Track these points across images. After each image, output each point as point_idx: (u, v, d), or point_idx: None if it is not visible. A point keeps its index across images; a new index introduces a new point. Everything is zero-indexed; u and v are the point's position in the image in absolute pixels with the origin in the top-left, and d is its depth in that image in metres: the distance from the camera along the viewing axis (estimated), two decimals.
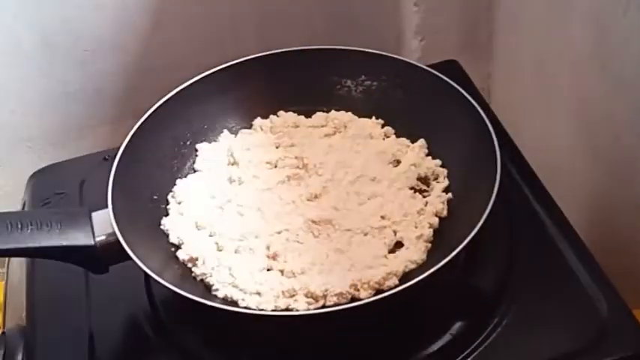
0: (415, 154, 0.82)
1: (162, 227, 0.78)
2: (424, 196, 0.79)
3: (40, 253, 0.72)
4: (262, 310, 0.70)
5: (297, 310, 0.70)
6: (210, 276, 0.73)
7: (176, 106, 0.84)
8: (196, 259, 0.74)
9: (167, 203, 0.81)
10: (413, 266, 0.72)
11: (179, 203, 0.80)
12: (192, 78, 0.85)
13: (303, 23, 1.01)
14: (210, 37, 0.98)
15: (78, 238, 0.71)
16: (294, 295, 0.71)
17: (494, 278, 0.76)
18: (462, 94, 0.81)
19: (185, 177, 0.83)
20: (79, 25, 0.93)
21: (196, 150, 0.85)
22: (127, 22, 0.95)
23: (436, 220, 0.77)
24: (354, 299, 0.70)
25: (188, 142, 0.85)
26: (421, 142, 0.84)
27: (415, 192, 0.80)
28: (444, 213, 0.77)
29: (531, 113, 1.02)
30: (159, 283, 0.69)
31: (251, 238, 0.76)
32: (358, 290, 0.70)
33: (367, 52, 0.88)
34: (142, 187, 0.80)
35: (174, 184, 0.82)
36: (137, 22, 0.96)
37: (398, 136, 0.86)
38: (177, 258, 0.75)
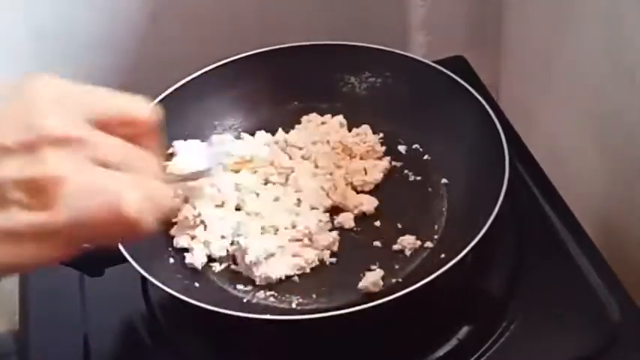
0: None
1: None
2: None
3: None
4: (261, 314, 0.70)
5: (298, 314, 0.70)
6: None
7: (174, 103, 0.83)
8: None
9: None
10: None
11: None
12: (191, 74, 0.84)
13: (305, 18, 1.01)
14: (210, 33, 0.97)
15: None
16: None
17: (502, 281, 0.76)
18: (469, 90, 0.81)
19: None
20: (75, 21, 0.93)
21: None
22: (123, 17, 0.95)
23: None
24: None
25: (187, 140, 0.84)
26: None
27: None
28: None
29: (540, 111, 1.01)
30: (156, 285, 0.68)
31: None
32: None
33: (371, 47, 0.87)
34: None
35: None
36: (134, 18, 0.95)
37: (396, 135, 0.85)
38: (175, 260, 0.75)
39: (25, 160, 0.43)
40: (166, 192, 0.49)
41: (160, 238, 0.76)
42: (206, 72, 0.85)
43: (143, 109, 0.51)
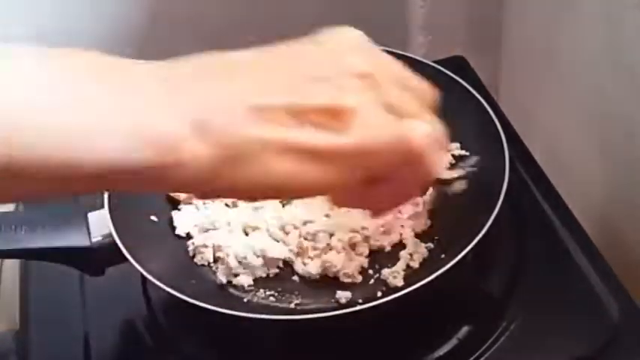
0: None
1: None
2: None
3: (34, 254, 0.71)
4: (262, 313, 0.69)
5: (298, 314, 0.70)
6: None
7: None
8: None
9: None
10: None
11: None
12: None
13: (305, 18, 1.00)
14: (210, 33, 0.97)
15: (73, 239, 0.70)
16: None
17: (502, 281, 0.75)
18: (469, 91, 0.80)
19: None
20: (75, 21, 0.93)
21: None
22: (123, 17, 0.94)
23: None
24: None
25: None
26: None
27: None
28: None
29: (541, 111, 1.01)
30: (157, 285, 0.68)
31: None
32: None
33: None
34: None
35: None
36: (134, 18, 0.95)
37: None
38: (176, 259, 0.75)
39: (329, 88, 0.45)
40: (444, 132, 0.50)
41: (160, 238, 0.76)
42: None
43: (425, 84, 0.54)
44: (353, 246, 0.74)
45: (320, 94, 0.45)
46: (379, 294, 0.71)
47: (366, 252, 0.74)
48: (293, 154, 0.44)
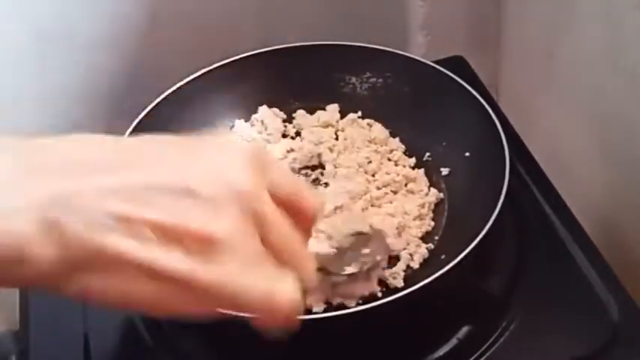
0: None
1: None
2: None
3: None
4: None
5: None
6: None
7: (175, 104, 0.83)
8: None
9: None
10: None
11: None
12: (191, 74, 0.84)
13: (305, 18, 1.00)
14: (210, 33, 0.97)
15: None
16: None
17: (502, 281, 0.75)
18: (469, 91, 0.81)
19: None
20: (75, 21, 0.92)
21: None
22: (123, 18, 0.94)
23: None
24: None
25: None
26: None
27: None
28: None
29: (541, 111, 1.01)
30: None
31: None
32: None
33: (372, 47, 0.87)
34: None
35: None
36: (134, 18, 0.94)
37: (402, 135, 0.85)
38: None
39: (204, 211, 0.42)
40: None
41: None
42: (206, 72, 0.85)
43: (316, 202, 0.48)
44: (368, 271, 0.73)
45: (193, 216, 0.41)
46: (379, 294, 0.71)
47: None
48: (147, 272, 0.41)
